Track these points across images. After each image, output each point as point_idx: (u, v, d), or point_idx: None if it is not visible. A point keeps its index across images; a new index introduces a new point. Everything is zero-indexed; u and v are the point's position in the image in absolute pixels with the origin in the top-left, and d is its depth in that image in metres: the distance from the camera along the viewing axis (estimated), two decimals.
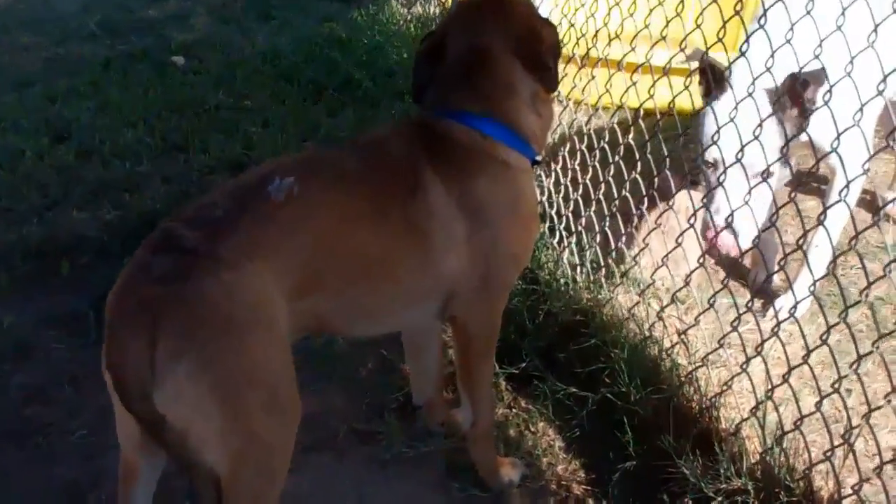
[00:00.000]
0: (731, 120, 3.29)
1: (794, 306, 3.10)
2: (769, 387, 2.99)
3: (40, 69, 7.34)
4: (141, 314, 2.31)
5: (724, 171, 3.39)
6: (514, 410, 3.70)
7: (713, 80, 3.61)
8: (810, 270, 3.28)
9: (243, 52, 7.40)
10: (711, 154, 3.56)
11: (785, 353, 2.93)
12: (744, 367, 3.09)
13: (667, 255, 3.57)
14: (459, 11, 3.11)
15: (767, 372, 3.03)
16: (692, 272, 3.40)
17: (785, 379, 2.90)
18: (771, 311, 3.80)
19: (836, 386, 2.69)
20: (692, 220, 3.43)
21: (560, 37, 3.10)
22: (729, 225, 3.36)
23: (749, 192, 3.25)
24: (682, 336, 3.39)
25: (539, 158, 3.08)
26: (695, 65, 3.62)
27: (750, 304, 3.05)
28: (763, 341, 2.99)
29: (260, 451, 2.44)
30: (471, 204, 2.85)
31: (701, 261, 3.41)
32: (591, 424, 3.51)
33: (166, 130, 6.09)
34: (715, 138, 3.41)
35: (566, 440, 3.53)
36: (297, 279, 2.60)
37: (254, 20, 8.46)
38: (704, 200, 3.56)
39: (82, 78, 7.01)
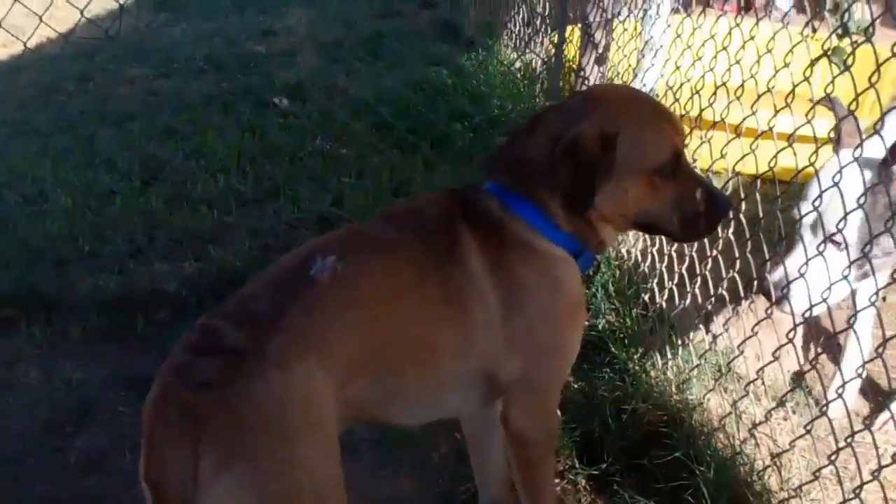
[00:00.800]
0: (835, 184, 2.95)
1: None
2: None
3: (141, 104, 7.28)
4: (183, 422, 2.15)
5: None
6: None
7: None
8: None
9: (346, 95, 7.24)
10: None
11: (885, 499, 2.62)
12: None
13: (775, 351, 3.21)
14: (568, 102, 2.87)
15: None
16: (787, 392, 3.10)
17: None
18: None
19: None
20: (807, 314, 3.12)
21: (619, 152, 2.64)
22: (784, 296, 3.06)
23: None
24: (776, 460, 3.09)
25: (594, 259, 2.89)
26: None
27: (850, 440, 2.75)
28: (862, 484, 2.68)
29: None
30: (504, 278, 2.64)
31: (812, 363, 3.10)
32: None
33: (259, 177, 5.97)
34: (816, 203, 3.09)
35: None
36: (345, 368, 2.42)
37: (362, 60, 8.32)
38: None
39: (182, 116, 6.93)
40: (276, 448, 2.19)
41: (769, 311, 3.25)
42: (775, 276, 3.26)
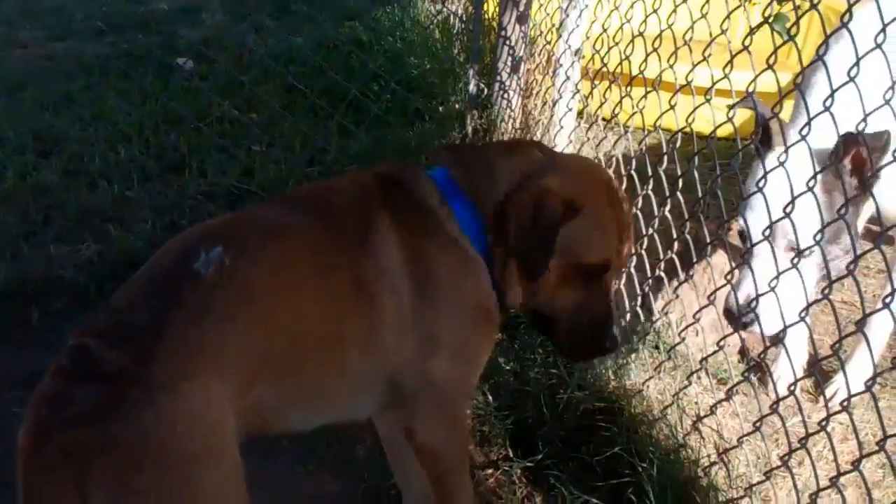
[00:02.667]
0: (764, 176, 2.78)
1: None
2: None
3: (35, 70, 6.87)
4: (64, 463, 1.89)
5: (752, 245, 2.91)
6: None
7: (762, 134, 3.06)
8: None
9: (255, 54, 6.87)
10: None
11: None
12: None
13: (721, 341, 3.01)
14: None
15: None
16: (731, 388, 2.89)
17: None
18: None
19: None
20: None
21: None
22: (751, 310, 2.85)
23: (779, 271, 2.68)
24: (723, 455, 2.89)
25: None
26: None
27: (803, 442, 2.55)
28: (819, 490, 2.49)
29: None
30: (421, 272, 2.46)
31: (762, 356, 2.89)
32: None
33: (162, 147, 5.63)
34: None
35: None
36: (242, 376, 2.18)
37: (271, 15, 7.96)
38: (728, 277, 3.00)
39: (79, 82, 6.55)
40: (172, 481, 1.95)
41: (712, 298, 3.04)
42: (741, 295, 2.99)
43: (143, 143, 5.72)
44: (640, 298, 3.59)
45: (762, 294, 2.75)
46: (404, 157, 5.07)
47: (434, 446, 2.59)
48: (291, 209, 2.48)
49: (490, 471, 3.43)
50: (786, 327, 2.69)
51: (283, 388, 2.34)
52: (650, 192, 3.34)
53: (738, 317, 2.94)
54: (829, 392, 3.42)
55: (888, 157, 2.61)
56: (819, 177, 2.60)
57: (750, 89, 2.74)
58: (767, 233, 2.74)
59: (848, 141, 2.69)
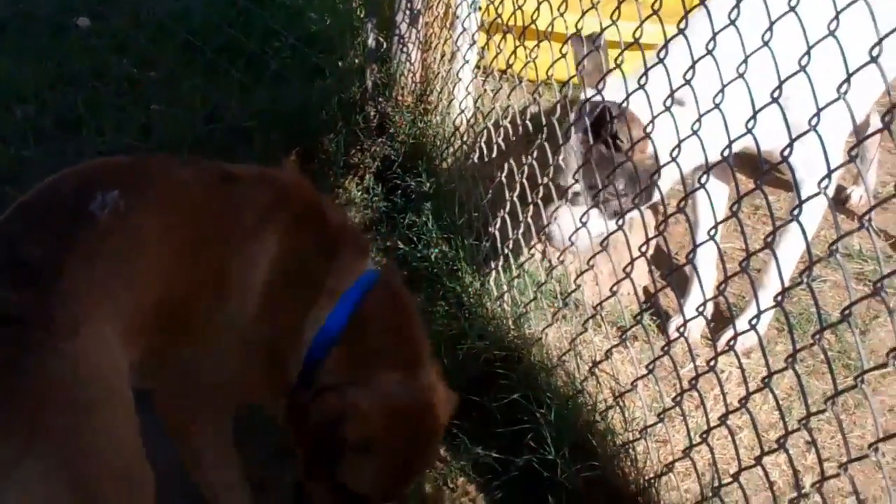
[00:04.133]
0: None
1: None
2: (717, 481, 2.57)
3: None
4: None
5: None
6: None
7: None
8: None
9: (152, 10, 6.72)
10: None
11: (735, 446, 2.51)
12: (687, 452, 2.67)
13: (615, 285, 3.04)
14: None
15: (716, 466, 2.60)
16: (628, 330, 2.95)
17: (734, 478, 2.48)
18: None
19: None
20: (644, 249, 2.93)
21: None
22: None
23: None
24: (619, 399, 2.95)
25: None
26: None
27: (693, 383, 2.62)
28: (710, 428, 2.57)
29: None
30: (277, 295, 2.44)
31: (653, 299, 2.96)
32: (514, 488, 3.11)
33: (59, 108, 5.49)
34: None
35: (489, 502, 3.13)
36: (133, 322, 2.22)
37: None
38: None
39: None
40: (79, 424, 1.97)
41: (604, 244, 3.08)
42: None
43: (39, 103, 5.54)
44: (539, 247, 3.64)
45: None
46: (305, 113, 5.04)
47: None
48: (196, 182, 2.45)
49: None
50: (672, 271, 2.76)
51: (164, 344, 2.38)
52: (544, 141, 3.37)
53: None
54: (722, 337, 3.52)
55: None
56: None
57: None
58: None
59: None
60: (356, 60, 5.15)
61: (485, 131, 4.01)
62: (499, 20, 3.96)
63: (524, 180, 3.56)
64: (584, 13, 3.14)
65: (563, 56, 3.30)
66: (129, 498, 2.09)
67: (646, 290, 3.76)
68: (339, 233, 2.57)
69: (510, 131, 3.76)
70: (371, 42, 4.99)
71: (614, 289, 2.96)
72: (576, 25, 3.18)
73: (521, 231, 3.61)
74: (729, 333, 3.46)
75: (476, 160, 4.11)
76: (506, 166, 3.68)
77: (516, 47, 3.71)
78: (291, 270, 2.45)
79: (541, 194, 3.43)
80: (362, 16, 5.18)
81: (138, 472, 2.13)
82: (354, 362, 2.45)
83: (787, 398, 3.35)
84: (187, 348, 2.45)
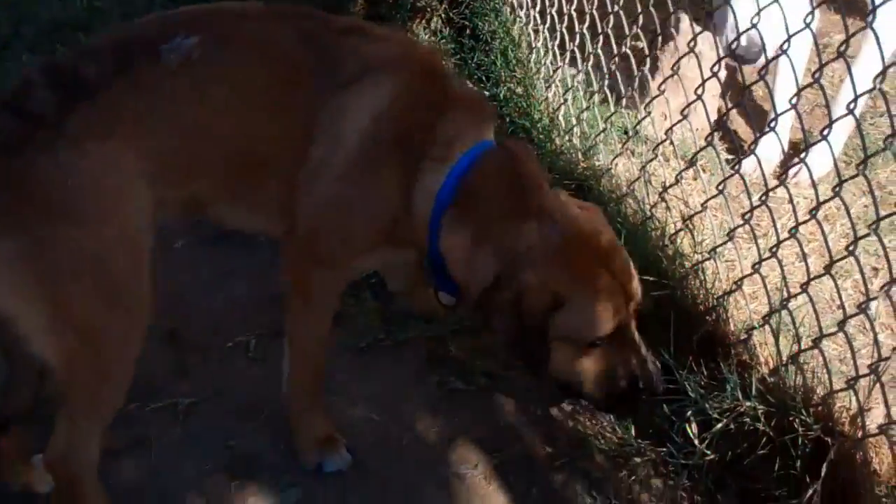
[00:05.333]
0: None
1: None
2: (785, 293, 2.61)
3: None
4: None
5: None
6: None
7: None
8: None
9: None
10: None
11: (804, 259, 2.54)
12: (756, 267, 2.71)
13: (684, 109, 3.05)
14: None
15: (784, 278, 2.64)
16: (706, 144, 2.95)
17: (803, 289, 2.52)
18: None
19: (863, 306, 2.32)
20: (716, 69, 2.91)
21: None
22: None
23: None
24: (688, 222, 2.98)
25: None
26: None
27: (764, 198, 2.64)
28: (779, 241, 2.60)
29: (94, 347, 2.23)
30: (374, 158, 2.42)
31: (725, 119, 2.93)
32: None
33: None
34: None
35: None
36: (173, 163, 2.29)
37: None
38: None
39: None
40: (53, 226, 2.11)
41: (675, 68, 3.08)
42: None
43: None
44: (607, 79, 3.63)
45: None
46: None
47: (293, 279, 2.63)
48: (299, 34, 2.43)
49: None
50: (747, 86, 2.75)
51: (215, 183, 2.43)
52: None
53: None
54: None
55: None
56: None
57: None
58: None
59: None
60: None
61: None
62: None
63: (593, 10, 3.54)
64: None
65: None
66: (109, 306, 2.21)
67: (719, 112, 3.74)
68: (457, 99, 2.51)
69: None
70: None
71: (684, 112, 2.97)
72: None
73: (590, 63, 3.62)
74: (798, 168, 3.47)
75: None
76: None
77: None
78: (399, 129, 2.42)
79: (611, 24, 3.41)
80: None
81: (127, 289, 2.24)
82: (469, 220, 2.43)
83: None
84: (283, 191, 2.47)
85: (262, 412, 2.91)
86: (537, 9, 4.12)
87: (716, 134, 3.14)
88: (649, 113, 3.26)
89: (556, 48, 3.90)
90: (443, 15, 4.66)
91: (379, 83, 2.39)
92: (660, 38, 3.64)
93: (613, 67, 3.53)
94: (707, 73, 2.89)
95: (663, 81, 3.18)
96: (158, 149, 2.24)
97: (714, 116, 3.62)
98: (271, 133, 2.39)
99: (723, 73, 3.12)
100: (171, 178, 2.30)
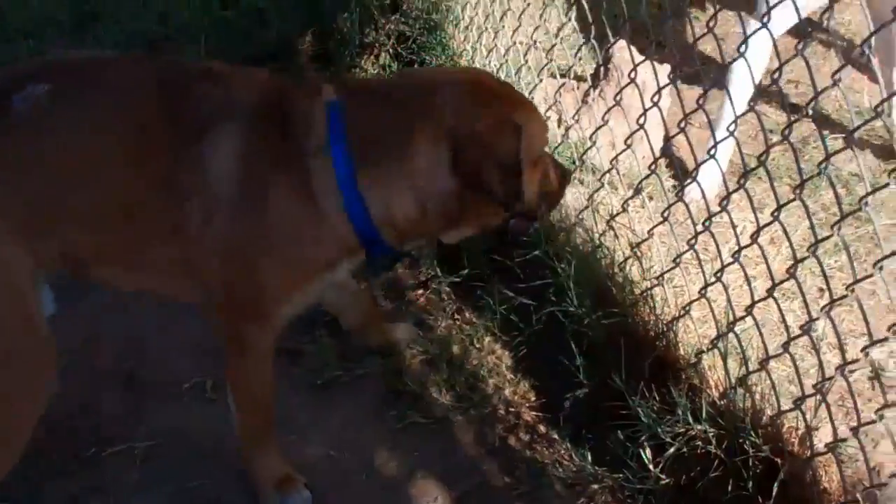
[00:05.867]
0: None
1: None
2: (731, 317, 2.66)
3: None
4: None
5: None
6: (458, 322, 3.44)
7: None
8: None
9: None
10: None
11: (748, 283, 2.59)
12: (702, 292, 2.76)
13: (628, 139, 3.11)
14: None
15: (729, 301, 2.69)
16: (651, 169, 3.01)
17: (748, 312, 2.58)
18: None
19: (806, 327, 2.38)
20: (656, 98, 2.96)
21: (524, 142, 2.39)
22: None
23: None
24: (636, 249, 3.04)
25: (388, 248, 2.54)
26: None
27: (707, 223, 2.70)
28: (723, 266, 2.65)
29: None
30: (254, 197, 2.35)
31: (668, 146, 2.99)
32: (538, 343, 3.23)
33: (75, 2, 5.51)
34: None
35: (513, 359, 3.27)
36: (36, 214, 2.26)
37: None
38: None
39: None
40: None
41: (618, 98, 3.14)
42: None
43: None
44: (553, 109, 3.69)
45: None
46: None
47: (228, 342, 2.60)
48: (149, 76, 2.40)
49: (420, 291, 3.57)
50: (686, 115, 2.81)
51: (86, 241, 2.39)
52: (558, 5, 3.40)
53: None
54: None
55: None
56: None
57: None
58: None
59: None
60: None
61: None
62: None
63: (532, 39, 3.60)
64: None
65: None
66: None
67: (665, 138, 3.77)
68: (295, 96, 2.45)
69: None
70: None
71: (628, 141, 3.03)
72: None
73: (535, 94, 3.67)
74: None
75: (491, 31, 4.14)
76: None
77: None
78: (266, 156, 2.37)
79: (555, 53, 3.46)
80: None
81: (16, 342, 2.22)
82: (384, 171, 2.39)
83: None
84: (173, 250, 2.42)
85: (222, 453, 2.90)
86: (483, 42, 4.17)
87: (661, 161, 3.18)
88: (594, 143, 3.31)
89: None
90: (391, 50, 4.70)
91: (226, 134, 2.33)
92: (602, 69, 3.70)
93: (558, 97, 3.59)
94: (648, 103, 2.94)
95: (607, 111, 3.24)
96: (15, 200, 2.21)
97: (659, 144, 3.69)
98: (131, 185, 2.33)
99: (667, 102, 3.17)
100: (36, 231, 2.26)
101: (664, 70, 3.37)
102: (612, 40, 3.35)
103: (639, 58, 3.24)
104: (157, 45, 5.02)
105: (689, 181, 2.78)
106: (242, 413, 2.68)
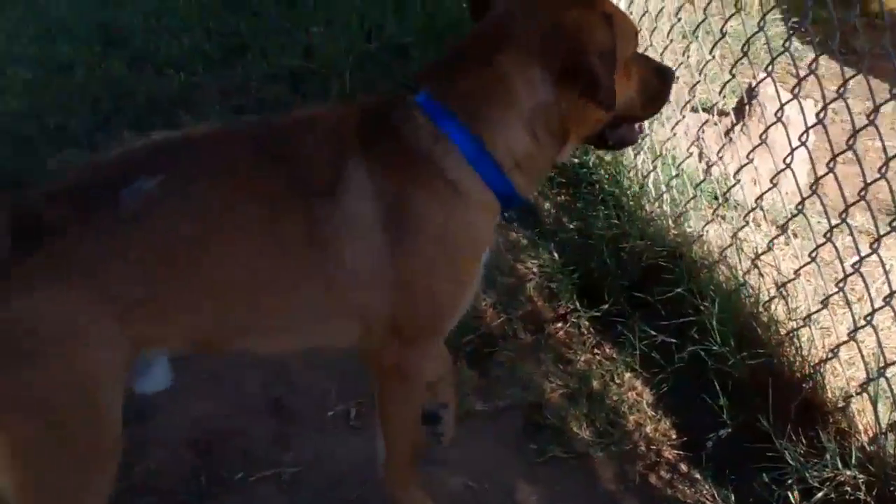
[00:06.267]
0: None
1: None
2: (881, 361, 2.62)
3: None
4: None
5: None
6: (597, 357, 3.44)
7: None
8: None
9: None
10: None
11: None
12: (851, 335, 2.72)
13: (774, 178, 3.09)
14: None
15: (879, 344, 2.65)
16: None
17: None
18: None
19: None
20: (804, 138, 2.94)
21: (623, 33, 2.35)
22: None
23: None
24: (781, 289, 3.01)
25: (521, 199, 2.49)
26: None
27: (857, 266, 2.67)
28: (874, 310, 2.61)
29: (49, 489, 2.22)
30: (401, 219, 2.33)
31: (813, 187, 2.95)
32: (679, 380, 3.22)
33: (224, 34, 5.73)
34: None
35: (654, 396, 3.26)
36: (145, 301, 2.24)
37: None
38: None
39: None
40: (7, 372, 2.11)
41: (764, 137, 3.12)
42: None
43: (204, 31, 5.80)
44: (695, 145, 3.68)
45: None
46: (456, 34, 5.11)
47: (384, 369, 2.57)
48: (252, 146, 2.40)
49: (559, 324, 3.59)
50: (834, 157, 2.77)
51: (224, 320, 2.39)
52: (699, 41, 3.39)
53: None
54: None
55: None
56: None
57: None
58: None
59: None
60: None
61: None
62: None
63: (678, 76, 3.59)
64: None
65: None
66: (61, 450, 2.20)
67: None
68: (384, 114, 2.43)
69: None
70: None
71: (774, 181, 3.01)
72: None
73: (679, 129, 3.67)
74: None
75: None
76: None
77: None
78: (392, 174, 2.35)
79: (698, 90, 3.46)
80: None
81: (81, 434, 2.22)
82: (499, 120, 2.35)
83: None
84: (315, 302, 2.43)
85: (364, 482, 2.95)
86: None
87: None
88: (738, 181, 3.30)
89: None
90: None
91: (357, 177, 2.32)
92: (746, 105, 3.69)
93: (702, 134, 3.58)
94: (794, 140, 2.92)
95: (752, 150, 3.22)
96: (125, 290, 2.21)
97: (804, 179, 3.64)
98: (267, 258, 2.34)
99: (812, 137, 3.14)
100: (153, 318, 2.26)
101: (810, 106, 3.34)
102: (755, 75, 3.30)
103: (785, 94, 3.22)
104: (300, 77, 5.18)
105: (838, 223, 2.74)
106: (392, 443, 2.70)
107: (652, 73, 2.53)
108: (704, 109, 3.77)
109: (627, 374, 3.33)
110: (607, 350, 3.45)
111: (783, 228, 3.00)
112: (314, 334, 2.55)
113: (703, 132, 3.62)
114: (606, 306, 3.50)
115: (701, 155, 3.85)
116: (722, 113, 4.09)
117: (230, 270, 2.31)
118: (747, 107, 3.81)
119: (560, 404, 3.25)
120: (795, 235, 3.38)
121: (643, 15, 4.06)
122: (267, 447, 3.15)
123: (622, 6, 4.37)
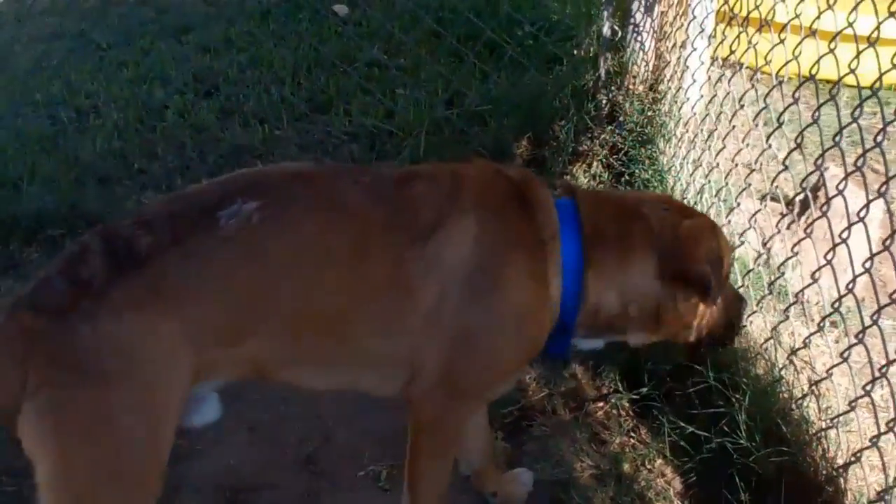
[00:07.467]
0: None
1: None
2: None
3: (199, 14, 7.19)
4: (17, 341, 2.19)
5: None
6: (632, 440, 3.43)
7: None
8: None
9: (405, 1, 7.00)
10: None
11: None
12: (874, 441, 2.67)
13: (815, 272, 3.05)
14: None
15: None
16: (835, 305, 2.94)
17: None
18: None
19: None
20: (846, 234, 2.89)
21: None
22: None
23: None
24: (813, 387, 2.97)
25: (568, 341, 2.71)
26: None
27: (883, 370, 2.62)
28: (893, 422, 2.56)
29: None
30: (490, 275, 2.48)
31: (850, 286, 2.91)
32: (707, 470, 3.17)
33: (312, 89, 5.89)
34: None
35: (683, 485, 3.22)
36: (226, 325, 2.33)
37: None
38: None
39: (240, 26, 6.83)
40: (83, 389, 2.18)
41: (809, 231, 3.09)
42: None
43: (294, 84, 5.98)
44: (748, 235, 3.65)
45: None
46: (539, 101, 5.19)
47: (423, 421, 2.63)
48: (355, 183, 2.49)
49: (600, 403, 3.59)
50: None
51: (284, 351, 2.45)
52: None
53: None
54: None
55: None
56: None
57: None
58: None
59: None
60: (591, 49, 5.25)
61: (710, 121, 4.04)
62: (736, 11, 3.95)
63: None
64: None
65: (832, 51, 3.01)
66: (112, 477, 2.25)
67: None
68: (525, 192, 2.60)
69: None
70: (606, 31, 5.07)
71: (815, 276, 2.98)
72: (847, 19, 2.89)
73: (732, 217, 3.65)
74: None
75: (699, 149, 4.14)
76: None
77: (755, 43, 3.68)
78: (501, 241, 2.50)
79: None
80: (599, 4, 5.24)
81: (137, 463, 2.28)
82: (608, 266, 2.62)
83: None
84: (375, 345, 2.51)
85: None
86: (690, 160, 4.18)
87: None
88: (783, 274, 3.27)
89: (700, 199, 3.95)
90: (603, 160, 4.78)
91: (462, 225, 2.45)
92: (809, 196, 3.64)
93: (754, 223, 3.53)
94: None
95: (797, 243, 3.18)
96: (209, 313, 2.29)
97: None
98: (348, 291, 2.40)
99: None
100: (225, 340, 2.34)
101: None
102: (819, 166, 3.21)
103: (853, 192, 3.11)
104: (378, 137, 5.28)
105: (869, 325, 2.70)
106: (417, 500, 2.73)
107: (734, 297, 2.84)
108: (763, 198, 3.70)
109: (659, 461, 3.30)
110: (643, 434, 3.43)
111: (819, 327, 2.96)
112: (363, 375, 2.62)
113: (755, 221, 3.56)
114: (645, 389, 3.47)
115: (765, 245, 3.78)
116: (789, 203, 4.03)
117: (312, 299, 2.40)
118: (812, 197, 3.74)
119: (588, 484, 3.23)
120: (835, 325, 3.32)
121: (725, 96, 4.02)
122: (296, 501, 3.18)
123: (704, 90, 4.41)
